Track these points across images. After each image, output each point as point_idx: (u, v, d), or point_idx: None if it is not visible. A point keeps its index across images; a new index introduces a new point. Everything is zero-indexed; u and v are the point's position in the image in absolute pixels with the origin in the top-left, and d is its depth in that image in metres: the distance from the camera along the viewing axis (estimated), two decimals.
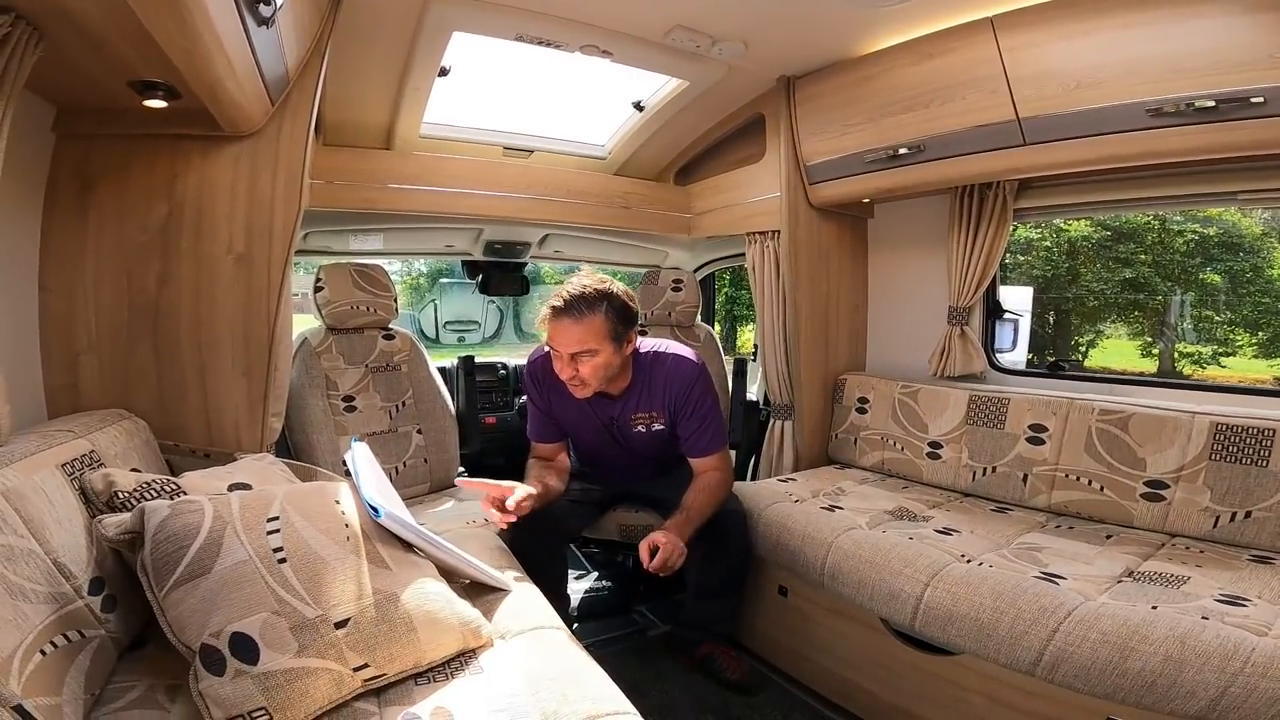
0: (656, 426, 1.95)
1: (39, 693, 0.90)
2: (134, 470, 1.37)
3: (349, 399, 2.32)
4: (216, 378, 1.70)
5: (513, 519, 1.62)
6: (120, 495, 1.23)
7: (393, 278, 2.47)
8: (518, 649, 1.22)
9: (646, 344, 1.94)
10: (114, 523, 1.11)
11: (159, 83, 1.37)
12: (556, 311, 1.71)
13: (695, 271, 3.41)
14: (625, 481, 2.13)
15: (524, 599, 1.41)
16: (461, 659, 1.18)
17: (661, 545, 1.63)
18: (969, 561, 1.65)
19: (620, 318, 1.75)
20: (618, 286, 1.78)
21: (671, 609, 2.31)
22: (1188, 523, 1.77)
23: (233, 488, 1.36)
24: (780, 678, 1.99)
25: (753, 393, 3.05)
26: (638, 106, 2.62)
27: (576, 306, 1.70)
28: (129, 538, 1.11)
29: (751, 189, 2.68)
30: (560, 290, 1.73)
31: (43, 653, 0.95)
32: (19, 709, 0.84)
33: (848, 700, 1.82)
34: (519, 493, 1.63)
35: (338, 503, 1.24)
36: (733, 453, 2.67)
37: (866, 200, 2.64)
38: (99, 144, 1.59)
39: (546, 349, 1.87)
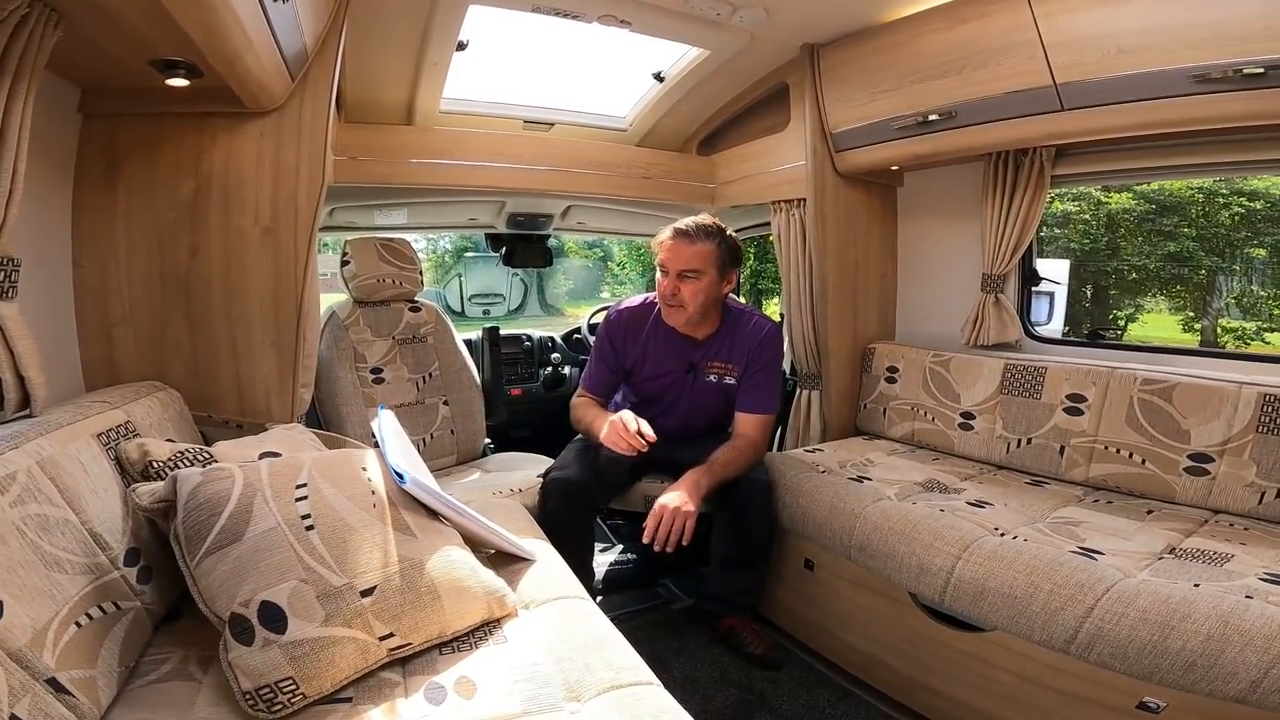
0: (728, 379, 2.05)
1: (74, 665, 0.89)
2: (169, 440, 1.38)
3: (377, 370, 2.34)
4: (247, 349, 1.73)
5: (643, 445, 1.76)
6: (155, 464, 1.24)
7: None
8: (542, 619, 1.23)
9: (736, 305, 2.08)
10: (148, 491, 1.13)
11: (180, 61, 1.36)
12: (677, 233, 1.90)
13: None
14: (668, 439, 2.13)
15: (549, 569, 1.41)
16: (486, 628, 1.18)
17: (664, 517, 1.67)
18: (1002, 535, 1.61)
19: (729, 253, 1.92)
20: (731, 230, 1.97)
21: (696, 582, 2.31)
22: (1232, 499, 1.71)
23: (263, 456, 1.37)
24: (803, 652, 1.98)
25: None
26: (658, 77, 2.56)
27: (695, 232, 1.89)
28: (162, 506, 1.12)
29: (776, 158, 2.62)
30: (682, 220, 1.93)
31: (78, 625, 0.94)
32: (53, 682, 0.83)
33: (871, 676, 1.80)
34: (642, 423, 1.78)
35: (364, 469, 1.25)
36: None
37: (896, 168, 2.56)
38: (125, 123, 1.60)
39: (624, 303, 2.13)
